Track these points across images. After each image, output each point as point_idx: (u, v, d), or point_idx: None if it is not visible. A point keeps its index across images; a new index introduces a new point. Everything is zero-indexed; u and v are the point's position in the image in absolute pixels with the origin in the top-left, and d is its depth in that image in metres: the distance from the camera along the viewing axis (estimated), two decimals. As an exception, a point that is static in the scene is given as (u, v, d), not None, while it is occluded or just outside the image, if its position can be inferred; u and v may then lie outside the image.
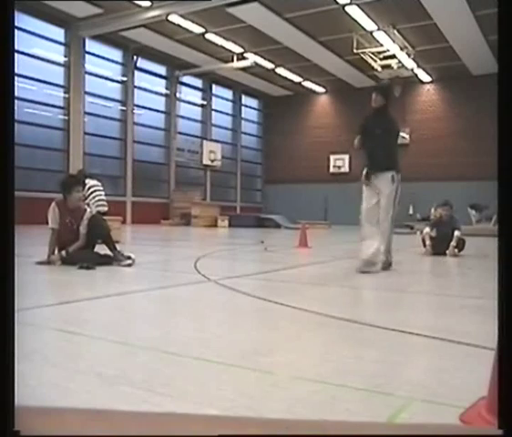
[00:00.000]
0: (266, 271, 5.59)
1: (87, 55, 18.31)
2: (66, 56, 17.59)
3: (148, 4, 15.60)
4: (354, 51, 18.30)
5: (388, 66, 19.34)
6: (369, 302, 4.02)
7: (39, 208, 9.04)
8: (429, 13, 15.61)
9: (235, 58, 20.01)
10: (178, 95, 22.57)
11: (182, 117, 22.96)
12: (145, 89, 21.13)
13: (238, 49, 19.38)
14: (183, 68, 21.71)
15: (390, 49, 18.25)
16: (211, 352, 2.14)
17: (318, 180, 24.97)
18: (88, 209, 5.69)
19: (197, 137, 23.67)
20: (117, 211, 11.56)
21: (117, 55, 19.78)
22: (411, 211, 21.72)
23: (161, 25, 17.00)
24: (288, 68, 21.82)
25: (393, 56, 18.77)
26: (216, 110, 24.95)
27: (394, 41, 17.63)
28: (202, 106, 24.29)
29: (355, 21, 16.43)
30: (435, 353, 2.34)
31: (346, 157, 23.90)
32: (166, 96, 22.20)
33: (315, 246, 9.20)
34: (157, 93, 21.79)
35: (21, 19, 15.50)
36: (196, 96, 23.99)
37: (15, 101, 13.33)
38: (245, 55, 19.81)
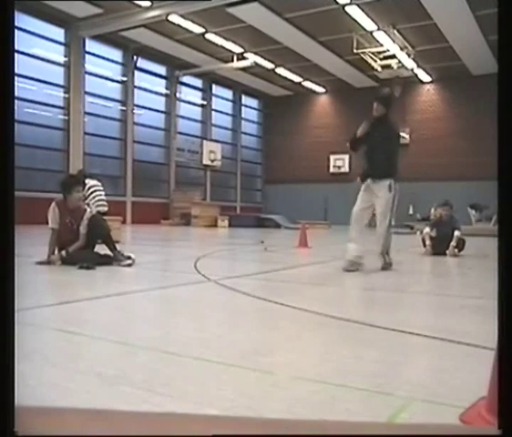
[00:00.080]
0: (266, 271, 5.60)
1: (86, 55, 18.31)
2: (66, 56, 17.59)
3: (148, 4, 15.60)
4: (354, 51, 18.29)
5: (388, 66, 19.34)
6: (369, 302, 4.02)
7: (39, 208, 9.04)
8: (429, 13, 15.60)
9: (235, 58, 20.00)
10: (178, 95, 22.56)
11: (182, 117, 22.94)
12: (145, 89, 21.12)
13: (238, 49, 19.37)
14: (183, 68, 21.71)
15: (390, 49, 18.24)
16: (211, 352, 2.14)
17: (318, 180, 24.96)
18: (88, 209, 5.70)
19: (197, 137, 23.66)
20: (117, 211, 11.55)
21: (117, 55, 19.78)
22: (411, 211, 21.72)
23: (161, 25, 17.00)
24: (288, 68, 21.81)
25: (393, 56, 18.76)
26: (216, 110, 24.95)
27: (394, 41, 17.62)
28: (202, 106, 24.28)
29: (355, 21, 16.43)
30: (435, 353, 2.34)
31: (346, 157, 23.88)
32: (166, 96, 22.19)
33: (315, 246, 9.20)
34: (157, 93, 21.77)
35: (21, 19, 15.50)
36: (196, 96, 23.98)
37: (15, 101, 13.31)
38: (245, 55, 19.80)
